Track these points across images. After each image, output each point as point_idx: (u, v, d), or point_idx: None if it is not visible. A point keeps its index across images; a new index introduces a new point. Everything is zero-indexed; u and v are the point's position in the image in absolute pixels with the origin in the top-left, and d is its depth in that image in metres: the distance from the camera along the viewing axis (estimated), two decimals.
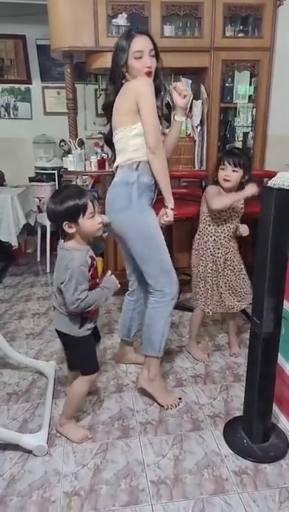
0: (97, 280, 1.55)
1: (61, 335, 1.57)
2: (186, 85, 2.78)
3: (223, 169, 1.93)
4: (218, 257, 2.03)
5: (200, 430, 1.69)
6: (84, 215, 1.38)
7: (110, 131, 1.84)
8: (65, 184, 1.43)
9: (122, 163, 1.76)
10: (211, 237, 2.03)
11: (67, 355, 1.70)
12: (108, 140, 1.90)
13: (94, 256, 1.50)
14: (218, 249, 2.02)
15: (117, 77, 1.73)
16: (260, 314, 1.48)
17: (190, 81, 2.79)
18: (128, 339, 2.10)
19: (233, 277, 2.06)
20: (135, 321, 2.05)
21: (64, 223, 1.39)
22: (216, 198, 1.93)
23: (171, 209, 1.79)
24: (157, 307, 1.80)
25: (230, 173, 1.91)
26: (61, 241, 1.47)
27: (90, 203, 1.38)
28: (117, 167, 1.79)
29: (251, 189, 1.88)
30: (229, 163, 1.91)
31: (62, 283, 1.41)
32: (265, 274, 1.42)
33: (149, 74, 1.69)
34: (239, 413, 1.74)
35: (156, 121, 1.68)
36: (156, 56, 1.73)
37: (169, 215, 1.79)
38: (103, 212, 1.72)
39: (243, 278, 2.09)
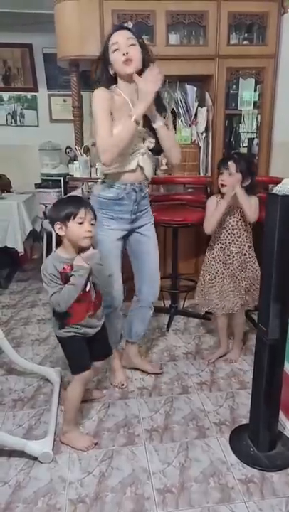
0: (88, 292, 1.56)
1: (59, 339, 1.64)
2: (192, 92, 2.80)
3: (221, 174, 1.96)
4: (229, 263, 2.04)
5: (206, 438, 1.68)
6: (74, 218, 1.45)
7: None
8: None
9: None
10: (218, 244, 2.05)
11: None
12: None
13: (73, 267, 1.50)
14: (228, 255, 2.03)
15: (105, 79, 1.71)
16: (267, 321, 1.47)
17: (195, 88, 2.81)
18: (130, 339, 2.11)
19: (251, 276, 2.07)
20: (137, 322, 2.06)
21: (56, 223, 1.47)
22: (206, 222, 2.02)
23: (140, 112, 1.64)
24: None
25: (226, 178, 1.94)
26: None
27: (82, 210, 1.46)
28: None
29: (228, 194, 1.92)
30: (226, 168, 1.93)
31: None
32: (271, 281, 1.42)
33: (127, 62, 1.63)
34: (245, 421, 1.73)
35: (99, 130, 1.63)
36: (144, 48, 1.69)
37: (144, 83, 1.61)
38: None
39: (256, 286, 2.09)
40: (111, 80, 1.73)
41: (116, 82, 1.74)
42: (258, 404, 1.57)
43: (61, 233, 1.49)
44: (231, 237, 2.02)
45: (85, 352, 1.61)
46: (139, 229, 1.89)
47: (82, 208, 1.46)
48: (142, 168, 1.76)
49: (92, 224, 1.49)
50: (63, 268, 1.48)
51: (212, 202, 2.05)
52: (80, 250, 1.51)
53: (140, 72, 1.66)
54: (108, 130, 1.64)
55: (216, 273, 2.08)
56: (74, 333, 1.57)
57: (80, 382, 1.61)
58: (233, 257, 2.03)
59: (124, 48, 1.64)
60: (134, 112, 1.61)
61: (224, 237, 2.03)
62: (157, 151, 1.81)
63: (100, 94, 1.68)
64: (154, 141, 1.76)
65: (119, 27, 1.72)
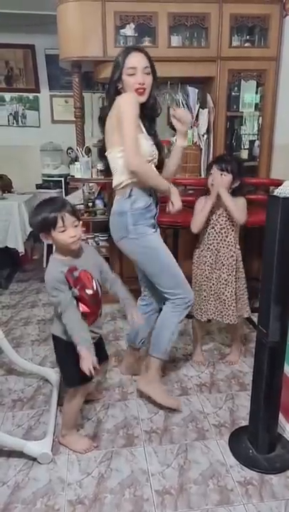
0: (87, 291, 1.48)
1: (54, 338, 1.56)
2: (193, 94, 2.81)
3: (211, 174, 1.97)
4: (218, 264, 2.03)
5: (205, 440, 1.68)
6: (54, 229, 1.40)
7: (103, 144, 1.82)
8: (45, 198, 1.45)
9: (117, 186, 1.77)
10: (206, 245, 2.04)
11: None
12: (101, 152, 1.89)
13: (78, 267, 1.46)
14: (216, 256, 2.02)
15: (112, 92, 1.74)
16: (267, 323, 1.47)
17: (197, 90, 2.82)
18: (134, 345, 2.09)
19: (234, 286, 2.05)
20: (143, 326, 2.04)
21: (40, 234, 1.45)
22: (192, 221, 2.01)
23: (174, 193, 1.78)
24: (169, 313, 1.82)
25: (217, 177, 1.93)
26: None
27: (59, 219, 1.39)
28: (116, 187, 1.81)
29: (212, 193, 1.94)
30: (216, 168, 1.94)
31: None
32: (272, 283, 1.42)
33: (140, 91, 1.68)
34: (245, 423, 1.73)
35: (133, 139, 1.62)
36: (154, 75, 1.72)
37: (174, 201, 1.77)
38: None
39: (243, 288, 2.09)
40: (116, 93, 1.74)
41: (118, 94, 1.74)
42: (257, 407, 1.57)
43: (49, 241, 1.46)
44: (219, 236, 2.01)
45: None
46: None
47: (58, 216, 1.38)
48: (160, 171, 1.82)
49: (75, 226, 1.43)
50: (68, 270, 1.45)
51: (200, 202, 2.05)
52: (74, 252, 1.48)
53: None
54: (136, 141, 1.64)
55: (202, 275, 2.07)
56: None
57: (83, 392, 1.60)
58: (220, 256, 2.02)
59: (140, 77, 1.67)
60: (172, 187, 1.77)
61: (212, 237, 2.02)
62: (160, 162, 1.86)
63: (132, 100, 1.66)
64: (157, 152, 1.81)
65: (137, 49, 1.73)
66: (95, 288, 1.51)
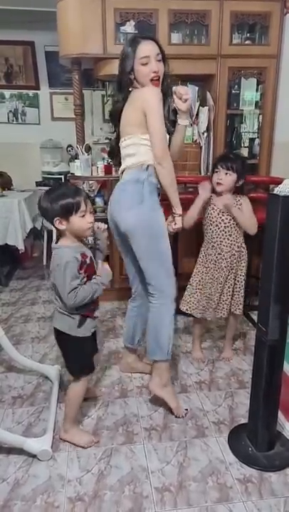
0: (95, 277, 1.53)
1: (59, 334, 1.56)
2: (193, 92, 2.79)
3: (216, 172, 1.96)
4: (221, 262, 2.03)
5: (204, 437, 1.68)
6: (76, 212, 1.40)
7: (117, 140, 1.83)
8: (59, 182, 1.45)
9: (132, 165, 1.74)
10: (210, 243, 2.04)
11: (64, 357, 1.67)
12: (113, 148, 1.90)
13: (87, 253, 1.49)
14: (219, 254, 2.02)
15: (124, 84, 1.74)
16: (266, 321, 1.47)
17: (197, 88, 2.81)
18: (131, 346, 2.09)
19: (231, 283, 2.06)
20: (138, 327, 2.04)
21: (55, 219, 1.41)
22: (184, 218, 1.98)
23: (180, 215, 1.79)
24: (160, 310, 1.79)
25: (223, 177, 1.94)
26: (53, 243, 1.52)
27: (82, 202, 1.41)
28: (124, 170, 1.79)
29: (202, 193, 1.96)
30: (222, 167, 1.94)
31: (55, 281, 1.44)
32: (271, 282, 1.42)
33: (156, 80, 1.68)
34: (244, 420, 1.73)
35: (163, 133, 1.67)
36: (164, 61, 1.72)
37: (177, 222, 1.80)
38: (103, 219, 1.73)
39: (239, 287, 2.09)
40: (129, 84, 1.73)
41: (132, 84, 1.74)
42: (256, 404, 1.57)
43: (62, 227, 1.43)
44: (223, 234, 2.01)
45: (92, 352, 1.62)
46: None
47: (82, 199, 1.41)
48: None
49: (91, 213, 1.46)
50: (82, 255, 1.45)
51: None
52: (82, 239, 1.49)
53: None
54: (166, 140, 1.71)
55: (207, 273, 2.07)
56: (90, 332, 1.55)
57: (85, 382, 1.61)
58: (224, 256, 2.02)
59: (154, 65, 1.66)
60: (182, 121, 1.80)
61: (216, 235, 2.02)
62: None
63: (161, 96, 1.67)
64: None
65: (148, 37, 1.72)
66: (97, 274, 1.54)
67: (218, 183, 1.95)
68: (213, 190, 2.01)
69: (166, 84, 1.77)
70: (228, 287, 2.06)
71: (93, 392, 1.94)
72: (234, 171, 1.93)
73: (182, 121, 1.84)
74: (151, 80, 1.68)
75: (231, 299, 2.08)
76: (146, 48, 1.66)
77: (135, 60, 1.67)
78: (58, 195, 1.40)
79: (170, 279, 1.78)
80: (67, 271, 1.40)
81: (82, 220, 1.42)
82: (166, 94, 1.77)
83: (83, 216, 1.42)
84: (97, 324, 1.61)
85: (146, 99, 1.64)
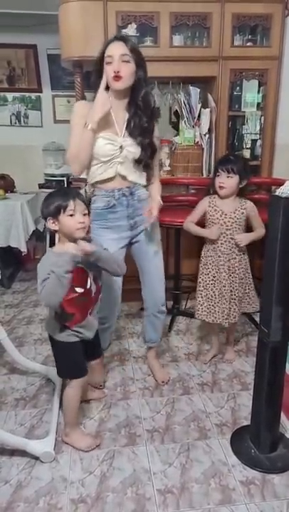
0: (77, 289, 1.50)
1: (48, 335, 1.60)
2: (195, 94, 2.80)
3: (218, 176, 1.95)
4: (220, 265, 2.02)
5: (207, 439, 1.68)
6: (64, 212, 1.42)
7: None
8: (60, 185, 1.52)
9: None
10: (210, 245, 2.04)
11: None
12: None
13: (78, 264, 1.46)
14: (219, 256, 2.02)
15: (96, 85, 1.69)
16: (268, 323, 1.47)
17: (198, 89, 2.81)
18: (145, 343, 2.16)
19: (236, 286, 2.04)
20: (146, 326, 2.09)
21: (48, 219, 1.45)
22: (186, 219, 2.04)
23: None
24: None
25: (224, 180, 1.93)
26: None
27: (70, 202, 1.42)
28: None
29: (210, 233, 1.99)
30: (223, 170, 1.92)
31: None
32: (273, 283, 1.42)
33: (116, 78, 1.62)
34: (247, 422, 1.73)
35: (72, 140, 1.70)
36: (139, 65, 1.67)
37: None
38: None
39: (248, 288, 2.08)
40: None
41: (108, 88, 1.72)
42: (259, 406, 1.57)
43: (55, 228, 1.46)
44: (224, 237, 1.99)
45: (82, 356, 1.60)
46: (140, 236, 1.87)
47: (71, 199, 1.42)
48: (123, 176, 1.75)
49: (84, 214, 1.46)
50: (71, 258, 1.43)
51: (202, 204, 2.04)
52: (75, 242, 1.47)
53: (133, 89, 1.69)
54: (76, 142, 1.69)
55: (208, 275, 2.06)
56: (75, 339, 1.54)
57: (78, 385, 1.60)
58: (224, 258, 2.01)
59: (116, 64, 1.62)
60: (89, 120, 1.64)
61: (218, 238, 2.01)
62: (144, 163, 1.77)
63: (77, 107, 1.74)
64: (136, 151, 1.73)
65: (117, 38, 1.68)
66: (88, 287, 1.52)
67: (220, 187, 1.94)
68: (215, 192, 2.01)
69: (145, 92, 1.71)
70: (235, 290, 2.04)
71: (99, 393, 1.94)
72: (236, 173, 1.92)
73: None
74: (114, 78, 1.63)
75: (239, 303, 2.06)
76: (113, 48, 1.63)
77: (103, 59, 1.65)
78: (50, 196, 1.46)
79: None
80: (40, 271, 1.45)
81: (70, 220, 1.43)
82: (145, 101, 1.72)
83: (71, 216, 1.42)
84: (88, 335, 1.59)
85: None
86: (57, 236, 1.54)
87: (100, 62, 1.67)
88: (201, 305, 2.08)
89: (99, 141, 1.69)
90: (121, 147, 1.71)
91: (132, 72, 1.65)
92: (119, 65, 1.62)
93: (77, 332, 1.55)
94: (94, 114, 1.64)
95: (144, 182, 1.82)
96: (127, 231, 1.83)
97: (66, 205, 1.42)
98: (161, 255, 1.96)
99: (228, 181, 1.93)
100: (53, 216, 1.44)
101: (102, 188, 1.77)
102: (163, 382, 2.05)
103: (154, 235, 1.89)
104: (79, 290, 1.49)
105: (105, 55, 1.64)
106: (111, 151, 1.70)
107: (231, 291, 2.04)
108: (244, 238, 1.97)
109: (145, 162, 1.77)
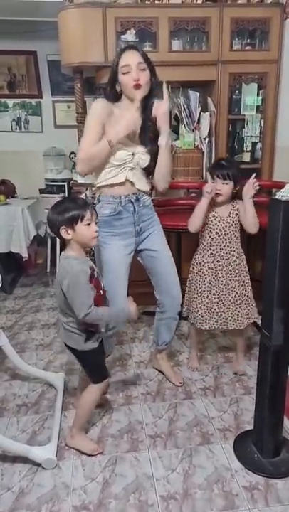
0: (101, 292, 1.54)
1: (69, 348, 1.59)
2: (194, 98, 2.81)
3: (213, 182, 1.92)
4: (218, 270, 2.01)
5: (210, 444, 1.67)
6: (82, 221, 1.43)
7: None
8: (66, 196, 1.51)
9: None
10: (208, 250, 2.02)
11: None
12: None
13: (94, 267, 1.52)
14: (218, 261, 2.00)
15: (110, 95, 1.74)
16: (270, 326, 1.46)
17: (198, 93, 2.82)
18: (157, 346, 2.13)
19: (238, 291, 2.03)
20: (159, 329, 2.07)
21: (61, 228, 1.44)
22: (190, 221, 1.97)
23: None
24: None
25: (220, 187, 1.91)
26: (62, 253, 1.53)
27: (87, 211, 1.44)
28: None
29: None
30: (218, 177, 1.90)
31: (66, 290, 1.43)
32: (274, 286, 1.42)
33: (136, 86, 1.66)
34: (249, 427, 1.72)
35: (84, 140, 1.68)
36: (152, 71, 1.71)
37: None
38: None
39: (248, 294, 2.06)
40: (116, 96, 1.75)
41: (120, 97, 1.76)
42: (262, 410, 1.56)
43: (68, 237, 1.45)
44: (223, 242, 1.97)
45: (104, 360, 1.63)
46: (146, 242, 1.88)
47: (87, 209, 1.45)
48: (131, 182, 1.77)
49: (96, 223, 1.49)
50: (90, 269, 1.47)
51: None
52: (88, 250, 1.52)
53: (146, 95, 1.71)
54: (91, 142, 1.67)
55: (203, 282, 2.03)
56: (97, 343, 1.55)
57: (100, 389, 1.61)
58: (223, 263, 1.99)
59: (135, 73, 1.65)
60: (112, 136, 1.64)
61: (215, 243, 1.99)
62: (149, 171, 1.82)
63: (98, 106, 1.71)
64: (147, 158, 1.77)
65: (129, 47, 1.71)
66: (103, 288, 1.56)
67: (217, 194, 1.93)
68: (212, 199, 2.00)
69: (149, 102, 1.74)
70: (234, 296, 2.02)
71: (100, 399, 1.93)
72: (231, 179, 1.90)
73: (160, 139, 1.76)
74: (134, 87, 1.66)
75: (241, 308, 2.04)
76: (128, 57, 1.66)
77: (118, 70, 1.68)
78: (65, 206, 1.45)
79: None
80: (79, 281, 1.42)
81: (87, 229, 1.45)
82: (148, 108, 1.74)
83: (89, 225, 1.45)
84: (103, 330, 1.60)
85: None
86: (58, 241, 1.55)
87: (115, 73, 1.70)
88: (196, 312, 2.06)
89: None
90: (133, 154, 1.74)
91: (148, 79, 1.70)
92: (138, 73, 1.65)
93: (100, 332, 1.56)
94: (119, 132, 1.65)
95: (148, 189, 1.87)
96: (134, 237, 1.84)
97: (84, 215, 1.43)
98: (172, 259, 1.97)
99: (224, 188, 1.91)
100: (67, 225, 1.43)
101: (108, 194, 1.77)
102: (181, 383, 2.07)
103: (163, 241, 1.93)
104: (101, 292, 1.54)
105: (120, 65, 1.67)
106: (124, 156, 1.72)
107: (234, 296, 2.02)
108: (246, 187, 1.90)
109: (152, 169, 1.82)
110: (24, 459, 1.56)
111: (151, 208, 1.90)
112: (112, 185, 1.76)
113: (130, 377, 2.15)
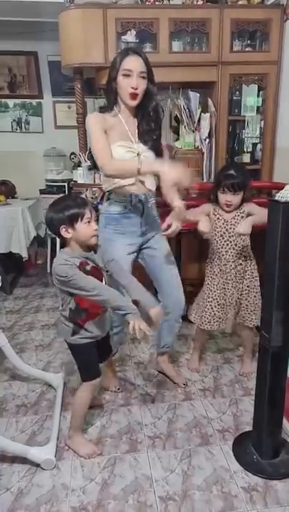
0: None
1: (66, 342, 1.60)
2: (195, 99, 2.81)
3: (223, 193, 1.91)
4: (227, 273, 2.01)
5: (209, 445, 1.67)
6: (81, 220, 1.43)
7: None
8: (64, 194, 1.49)
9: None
10: (216, 254, 2.02)
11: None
12: None
13: (88, 261, 1.50)
14: (225, 265, 2.00)
15: (110, 92, 1.73)
16: (269, 328, 1.47)
17: (198, 94, 2.82)
18: (159, 349, 2.12)
19: (246, 293, 2.03)
20: (162, 332, 2.06)
21: (61, 227, 1.44)
22: (200, 222, 1.92)
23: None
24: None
25: (231, 198, 1.90)
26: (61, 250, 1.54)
27: (87, 209, 1.45)
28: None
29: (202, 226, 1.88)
30: (229, 189, 1.88)
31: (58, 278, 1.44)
32: (274, 288, 1.42)
33: (133, 96, 1.67)
34: (249, 428, 1.72)
35: (96, 146, 1.67)
36: (151, 81, 1.71)
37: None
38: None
39: (254, 296, 2.05)
40: (115, 93, 1.73)
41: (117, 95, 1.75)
42: (261, 412, 1.56)
43: (67, 236, 1.45)
44: (228, 245, 1.97)
45: (96, 359, 1.62)
46: (149, 243, 1.88)
47: (86, 207, 1.45)
48: (142, 182, 1.77)
49: (95, 221, 1.50)
50: (80, 263, 1.46)
51: (204, 208, 2.01)
52: (88, 248, 1.51)
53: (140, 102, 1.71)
54: (106, 149, 1.67)
55: (217, 285, 2.03)
56: (88, 340, 1.55)
57: (90, 388, 1.61)
58: (230, 266, 1.99)
59: (135, 80, 1.65)
60: (145, 167, 1.60)
61: (220, 245, 1.99)
62: None
63: (92, 118, 1.72)
64: (151, 155, 1.77)
65: (133, 51, 1.70)
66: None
67: (227, 205, 1.92)
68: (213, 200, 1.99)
69: (156, 103, 1.75)
70: (245, 297, 2.02)
71: (98, 400, 1.93)
72: (241, 189, 1.89)
73: (175, 203, 1.70)
74: (131, 95, 1.67)
75: (250, 308, 2.04)
76: (132, 62, 1.65)
77: (119, 71, 1.67)
78: (64, 205, 1.45)
79: None
80: (63, 270, 1.41)
81: (87, 228, 1.45)
82: (156, 111, 1.76)
83: (88, 223, 1.45)
84: (100, 333, 1.59)
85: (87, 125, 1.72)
86: (58, 241, 1.55)
87: (115, 75, 1.68)
88: (204, 313, 2.06)
89: (119, 150, 1.71)
90: (138, 154, 1.74)
91: (144, 88, 1.70)
92: (138, 81, 1.66)
93: (89, 331, 1.55)
94: (153, 165, 1.62)
95: (154, 189, 1.85)
96: (138, 237, 1.84)
97: (84, 213, 1.44)
98: (175, 263, 1.97)
99: (234, 199, 1.90)
100: (67, 224, 1.43)
101: (119, 193, 1.77)
102: (184, 384, 2.08)
103: (165, 244, 1.93)
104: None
105: (122, 67, 1.66)
106: (131, 158, 1.73)
107: (239, 298, 2.02)
108: (244, 225, 1.88)
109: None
110: (23, 460, 1.56)
111: (156, 210, 1.91)
112: (123, 186, 1.75)
113: (129, 378, 2.15)
